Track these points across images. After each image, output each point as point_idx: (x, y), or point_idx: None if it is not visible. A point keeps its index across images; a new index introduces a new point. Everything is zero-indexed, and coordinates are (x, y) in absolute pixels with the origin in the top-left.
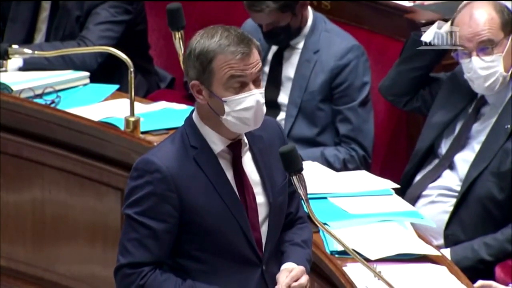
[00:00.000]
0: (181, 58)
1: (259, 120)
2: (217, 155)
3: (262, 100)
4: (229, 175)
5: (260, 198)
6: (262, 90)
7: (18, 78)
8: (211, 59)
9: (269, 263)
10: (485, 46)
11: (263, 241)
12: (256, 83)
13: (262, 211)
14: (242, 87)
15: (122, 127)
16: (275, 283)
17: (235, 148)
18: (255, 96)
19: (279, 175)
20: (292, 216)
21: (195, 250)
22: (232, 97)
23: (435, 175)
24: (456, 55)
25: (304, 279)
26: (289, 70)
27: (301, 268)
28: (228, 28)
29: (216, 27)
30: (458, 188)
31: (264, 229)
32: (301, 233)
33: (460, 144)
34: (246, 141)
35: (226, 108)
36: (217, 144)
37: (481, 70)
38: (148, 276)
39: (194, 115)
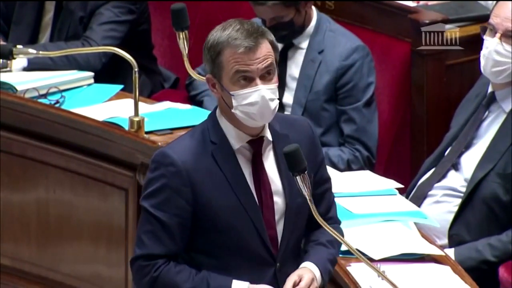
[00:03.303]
0: (185, 58)
1: (266, 115)
2: (236, 151)
3: (270, 96)
4: (247, 172)
5: (278, 197)
6: (271, 85)
7: (23, 78)
8: (219, 52)
9: (284, 263)
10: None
11: (279, 239)
12: (265, 78)
13: (279, 210)
14: (248, 81)
15: (126, 127)
16: None
17: (256, 145)
18: (260, 92)
19: None
20: (321, 216)
21: (208, 245)
22: (238, 91)
23: (440, 174)
24: (483, 29)
25: None
26: (294, 69)
27: (310, 277)
28: (243, 21)
29: (234, 20)
30: (463, 189)
31: (280, 228)
32: (328, 233)
33: (466, 141)
34: (270, 138)
35: (234, 102)
36: (237, 139)
37: (496, 54)
38: (162, 268)
39: (217, 110)
